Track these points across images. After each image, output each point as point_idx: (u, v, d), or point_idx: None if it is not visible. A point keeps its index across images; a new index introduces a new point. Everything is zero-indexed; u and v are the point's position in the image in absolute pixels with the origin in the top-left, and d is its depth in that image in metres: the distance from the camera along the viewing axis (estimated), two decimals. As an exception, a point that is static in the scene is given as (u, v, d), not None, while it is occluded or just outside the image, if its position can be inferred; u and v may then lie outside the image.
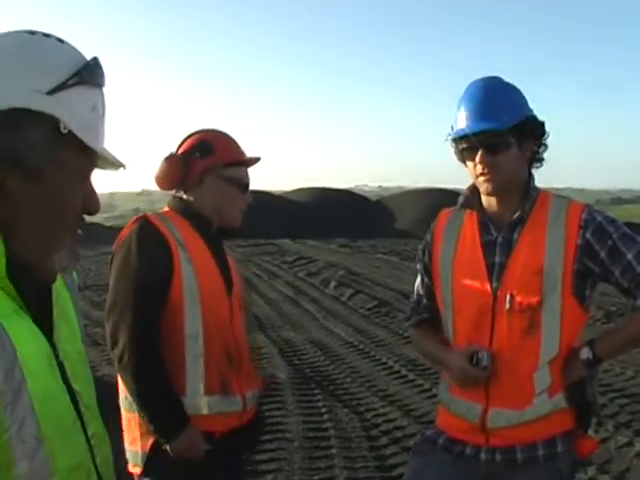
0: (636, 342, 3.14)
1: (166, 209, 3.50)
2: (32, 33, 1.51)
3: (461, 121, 2.97)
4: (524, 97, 3.03)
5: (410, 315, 3.39)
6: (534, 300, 2.90)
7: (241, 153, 3.52)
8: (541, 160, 3.08)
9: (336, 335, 11.74)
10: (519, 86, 3.06)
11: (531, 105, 3.05)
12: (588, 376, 3.00)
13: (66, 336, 1.63)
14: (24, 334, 1.44)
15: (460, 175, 3.14)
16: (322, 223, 35.18)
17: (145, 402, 3.17)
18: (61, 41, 1.52)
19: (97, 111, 1.54)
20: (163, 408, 3.18)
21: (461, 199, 3.14)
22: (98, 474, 1.63)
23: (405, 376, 9.11)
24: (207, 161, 3.40)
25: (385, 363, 9.70)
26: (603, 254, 2.89)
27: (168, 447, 3.16)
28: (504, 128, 2.89)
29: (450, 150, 3.08)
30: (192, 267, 3.26)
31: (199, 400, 3.24)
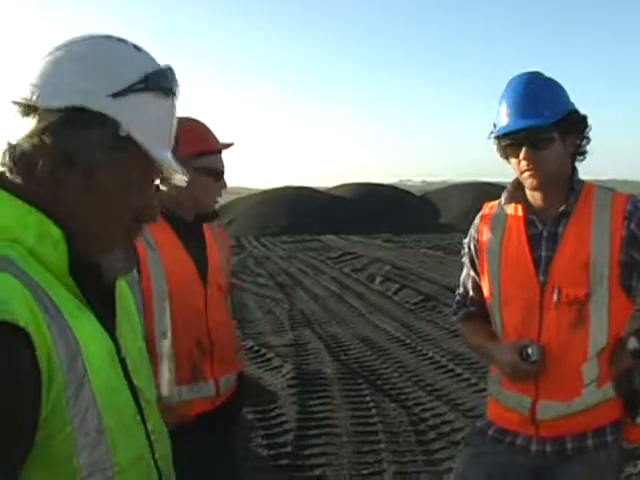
0: None
1: None
2: (108, 37, 1.54)
3: (503, 118, 2.98)
4: (565, 91, 3.03)
5: (457, 309, 3.41)
6: (581, 293, 2.91)
7: (208, 141, 3.48)
8: (584, 153, 3.08)
9: (382, 330, 11.74)
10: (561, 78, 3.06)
11: (573, 99, 3.04)
12: (636, 365, 2.99)
13: (128, 333, 1.67)
14: (87, 329, 1.48)
15: (504, 168, 3.13)
16: (366, 218, 35.21)
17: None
18: (137, 48, 1.53)
19: (163, 119, 1.56)
20: None
21: (505, 194, 3.15)
22: (157, 469, 1.67)
23: (452, 370, 9.09)
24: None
25: (432, 357, 9.68)
26: None
27: None
28: (547, 124, 2.90)
29: (493, 144, 3.08)
30: (161, 268, 3.29)
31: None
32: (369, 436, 6.90)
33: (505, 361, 3.03)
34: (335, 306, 14.17)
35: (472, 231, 3.28)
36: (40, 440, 1.38)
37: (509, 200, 3.14)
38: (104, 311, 1.58)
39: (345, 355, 10.19)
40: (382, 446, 6.62)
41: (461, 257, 3.41)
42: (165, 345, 3.28)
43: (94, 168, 1.47)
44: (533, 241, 3.04)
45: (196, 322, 3.42)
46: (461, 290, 3.38)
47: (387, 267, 19.03)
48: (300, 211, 36.46)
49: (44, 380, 1.35)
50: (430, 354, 9.83)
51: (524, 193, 3.10)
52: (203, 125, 3.53)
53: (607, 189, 3.10)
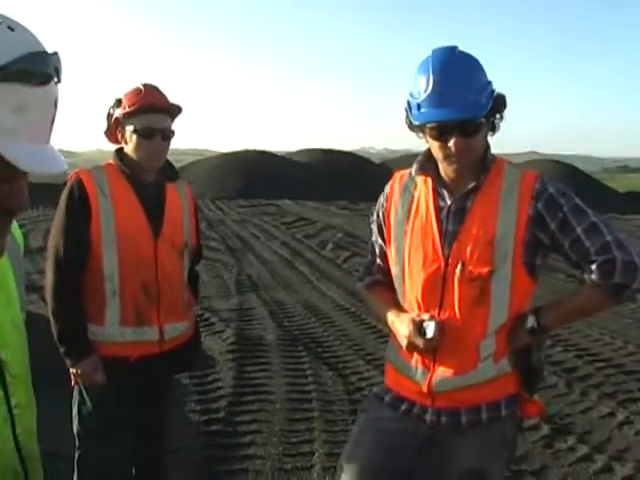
0: (581, 314, 3.29)
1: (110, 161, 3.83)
2: None
3: (433, 103, 2.89)
4: (484, 69, 2.98)
5: (363, 275, 3.42)
6: (485, 270, 2.93)
7: (136, 101, 3.70)
8: (496, 129, 3.07)
9: (328, 297, 11.74)
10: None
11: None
12: (535, 343, 3.06)
13: None
14: None
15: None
16: (324, 185, 35.19)
17: (54, 322, 3.71)
18: (11, 29, 1.35)
19: (24, 112, 1.38)
20: (69, 332, 3.72)
21: (416, 165, 3.13)
22: (17, 443, 1.62)
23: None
24: (115, 113, 3.74)
25: (374, 327, 9.64)
26: (553, 226, 2.91)
27: (73, 370, 3.74)
28: (481, 115, 2.92)
29: (405, 114, 3.04)
30: (111, 214, 3.67)
31: (114, 330, 3.75)
32: (303, 404, 6.89)
33: (403, 333, 3.04)
34: (284, 272, 14.12)
35: (381, 199, 3.26)
36: None
37: (420, 171, 3.12)
38: None
39: (288, 322, 10.16)
40: (315, 414, 6.61)
41: (370, 224, 3.40)
42: (112, 287, 3.71)
43: None
44: (441, 214, 3.03)
45: (144, 270, 3.76)
46: (369, 257, 3.38)
47: (340, 234, 18.98)
48: (259, 175, 36.37)
49: None
50: (373, 323, 9.79)
51: (436, 165, 3.09)
52: (143, 87, 3.75)
53: (517, 166, 3.12)
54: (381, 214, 3.25)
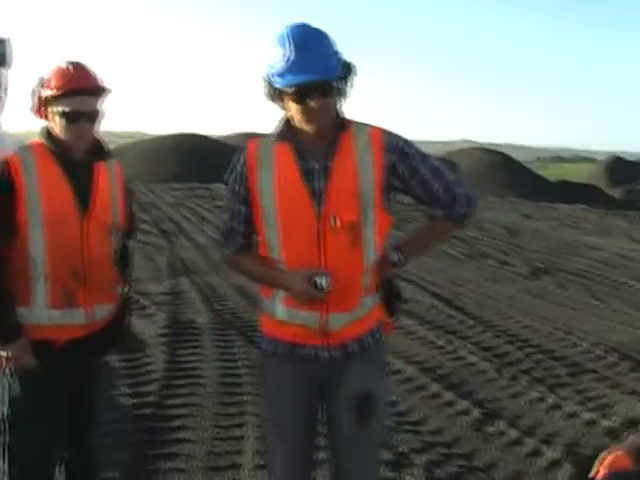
0: (433, 244, 3.90)
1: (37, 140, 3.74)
2: None
3: (294, 69, 3.19)
4: (334, 41, 3.30)
5: (227, 243, 3.60)
6: (354, 218, 3.30)
7: (71, 83, 3.62)
8: (346, 95, 3.36)
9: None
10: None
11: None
12: (395, 274, 3.62)
13: None
14: None
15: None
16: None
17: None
18: None
19: None
20: None
21: (276, 131, 3.40)
22: None
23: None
24: (40, 93, 3.66)
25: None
26: (405, 172, 3.36)
27: (1, 353, 3.65)
28: (335, 76, 3.24)
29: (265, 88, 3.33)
30: (36, 194, 3.59)
31: (41, 312, 3.67)
32: (234, 387, 6.85)
33: (298, 289, 3.31)
34: (217, 255, 13.96)
35: (239, 168, 3.46)
36: None
37: (279, 138, 3.38)
38: None
39: (220, 305, 10.12)
40: (246, 398, 6.58)
41: (226, 196, 3.59)
42: (38, 268, 3.63)
43: None
44: (306, 175, 3.32)
45: (70, 252, 3.68)
46: (229, 226, 3.55)
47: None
48: (192, 159, 36.16)
49: None
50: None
51: (294, 131, 3.36)
52: (70, 67, 3.67)
53: (362, 124, 3.44)
54: (242, 183, 3.44)
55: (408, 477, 5.23)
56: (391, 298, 3.58)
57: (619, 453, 2.02)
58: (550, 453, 5.72)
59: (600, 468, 2.05)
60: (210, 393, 6.73)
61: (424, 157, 3.44)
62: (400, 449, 5.67)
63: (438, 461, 5.51)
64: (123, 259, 4.03)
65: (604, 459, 2.09)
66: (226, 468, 5.30)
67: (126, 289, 4.05)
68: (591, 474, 2.10)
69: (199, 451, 5.54)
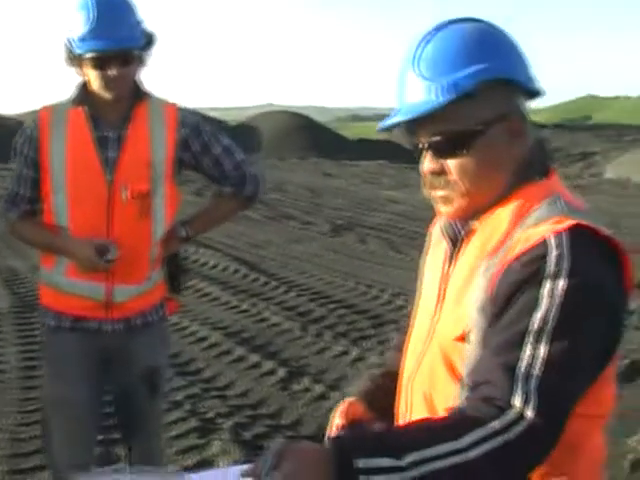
0: (221, 221, 3.88)
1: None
2: None
3: (95, 35, 3.17)
4: (137, 11, 3.33)
5: (9, 208, 3.53)
6: (145, 188, 3.32)
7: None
8: (146, 64, 3.41)
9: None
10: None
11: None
12: (181, 249, 3.67)
13: None
14: None
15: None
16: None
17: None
18: None
19: None
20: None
21: (72, 96, 3.38)
22: None
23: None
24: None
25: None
26: (198, 148, 3.44)
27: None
28: (138, 45, 3.28)
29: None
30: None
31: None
32: (37, 371, 6.67)
33: (82, 256, 3.31)
34: (13, 237, 13.51)
35: (29, 132, 3.40)
36: None
37: (73, 103, 3.37)
38: None
39: (21, 288, 9.83)
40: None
41: (15, 159, 3.49)
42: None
43: None
44: (100, 143, 3.32)
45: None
46: (14, 191, 3.49)
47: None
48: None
49: None
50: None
51: (91, 97, 3.34)
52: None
53: (160, 99, 3.49)
54: (33, 145, 3.37)
55: (215, 442, 5.30)
56: (176, 273, 3.62)
57: (352, 400, 2.07)
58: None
59: (338, 418, 2.04)
60: (12, 379, 6.59)
61: (217, 135, 3.53)
62: (207, 415, 5.75)
63: (245, 423, 5.63)
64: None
65: (337, 409, 2.07)
66: (32, 453, 5.21)
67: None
68: (329, 431, 2.04)
69: (2, 438, 5.42)
